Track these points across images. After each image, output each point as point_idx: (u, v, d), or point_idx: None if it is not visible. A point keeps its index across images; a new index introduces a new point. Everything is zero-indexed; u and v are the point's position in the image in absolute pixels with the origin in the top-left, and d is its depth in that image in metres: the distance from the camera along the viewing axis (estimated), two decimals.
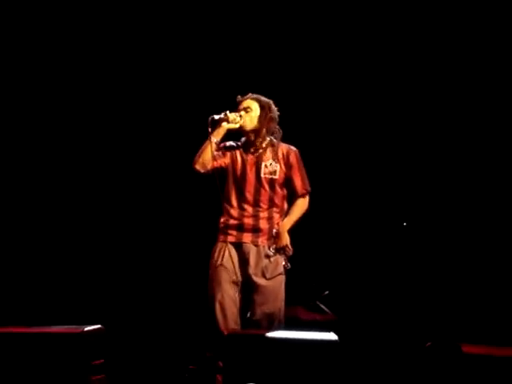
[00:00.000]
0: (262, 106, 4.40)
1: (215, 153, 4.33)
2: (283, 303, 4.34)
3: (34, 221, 5.88)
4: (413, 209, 5.77)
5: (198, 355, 4.38)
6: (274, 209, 4.38)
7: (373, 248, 5.73)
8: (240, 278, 4.30)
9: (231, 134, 4.42)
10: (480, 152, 5.62)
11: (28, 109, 5.91)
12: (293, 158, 4.41)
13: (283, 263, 4.34)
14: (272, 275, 4.30)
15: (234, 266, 4.29)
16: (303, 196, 4.43)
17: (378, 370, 4.95)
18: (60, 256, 5.84)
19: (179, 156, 5.12)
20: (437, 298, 5.45)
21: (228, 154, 4.43)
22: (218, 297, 4.25)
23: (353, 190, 5.81)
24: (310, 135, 5.57)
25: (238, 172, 4.39)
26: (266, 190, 4.37)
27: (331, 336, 3.54)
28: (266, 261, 4.30)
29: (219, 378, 4.06)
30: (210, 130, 4.29)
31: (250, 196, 4.36)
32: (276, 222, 4.37)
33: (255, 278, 4.28)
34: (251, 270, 4.29)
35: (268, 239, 4.34)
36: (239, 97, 4.44)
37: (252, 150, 4.42)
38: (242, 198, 4.37)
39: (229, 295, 4.26)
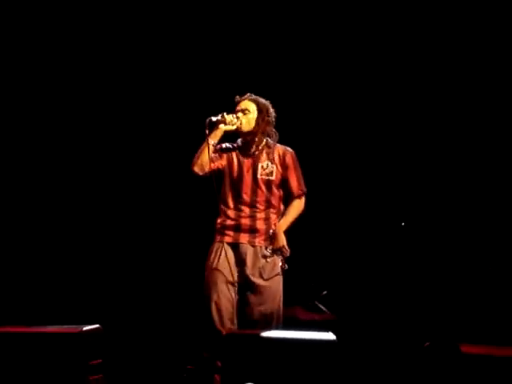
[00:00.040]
0: (260, 109, 4.40)
1: (212, 155, 4.33)
2: (281, 304, 4.34)
3: (34, 221, 5.88)
4: (411, 209, 5.76)
5: (196, 355, 4.37)
6: (271, 210, 4.39)
7: (371, 248, 5.73)
8: (237, 279, 4.30)
9: (227, 135, 4.42)
10: (479, 152, 5.62)
11: (28, 109, 5.91)
12: (289, 159, 4.42)
13: (280, 264, 4.34)
14: (269, 276, 4.30)
15: (231, 267, 4.29)
16: (299, 197, 4.44)
17: (377, 369, 4.95)
18: (59, 256, 5.84)
19: (176, 157, 5.14)
20: (435, 298, 5.45)
21: (224, 155, 4.43)
22: (214, 297, 4.25)
23: (351, 190, 5.82)
24: (306, 136, 5.58)
25: (235, 173, 4.39)
26: (262, 191, 4.37)
27: (329, 336, 3.54)
28: (263, 261, 4.31)
29: (217, 377, 4.07)
30: (207, 131, 4.28)
31: (246, 197, 4.36)
32: (273, 222, 4.38)
33: (253, 279, 4.28)
34: (248, 271, 4.29)
35: (265, 240, 4.35)
36: (237, 97, 4.44)
37: (248, 152, 4.43)
38: (238, 200, 4.37)
39: (225, 295, 4.26)
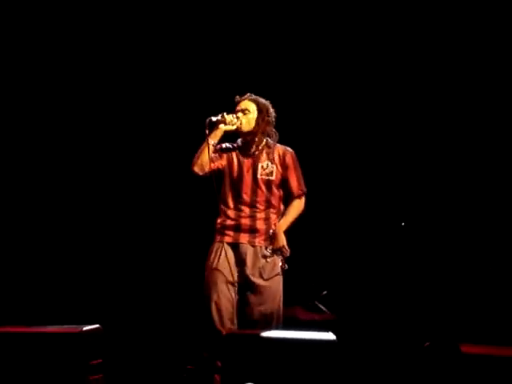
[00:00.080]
0: (260, 109, 4.40)
1: (212, 155, 4.33)
2: (281, 304, 4.34)
3: (33, 221, 5.88)
4: (411, 209, 5.76)
5: (196, 355, 4.37)
6: (271, 209, 4.39)
7: (371, 248, 5.73)
8: (236, 279, 4.30)
9: (227, 135, 4.41)
10: (478, 152, 5.62)
11: (28, 110, 5.90)
12: (289, 159, 4.42)
13: (280, 264, 4.34)
14: (269, 276, 4.30)
15: (231, 267, 4.29)
16: (299, 197, 4.44)
17: (377, 369, 4.95)
18: (59, 256, 5.84)
19: (176, 157, 5.13)
20: (435, 298, 5.45)
21: (224, 155, 4.43)
22: (214, 297, 4.26)
23: (351, 189, 5.81)
24: (306, 136, 5.57)
25: (235, 174, 4.39)
26: (262, 191, 4.37)
27: (329, 336, 3.54)
28: (263, 261, 4.31)
29: (217, 377, 4.07)
30: (207, 131, 4.28)
31: (246, 197, 4.36)
32: (273, 222, 4.38)
33: (253, 279, 4.28)
34: (248, 271, 4.29)
35: (265, 240, 4.35)
36: (237, 97, 4.44)
37: (248, 152, 4.43)
38: (238, 200, 4.37)
39: (225, 295, 4.26)
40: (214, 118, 4.30)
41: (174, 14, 5.85)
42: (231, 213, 4.37)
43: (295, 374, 3.43)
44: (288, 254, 4.36)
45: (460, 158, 5.66)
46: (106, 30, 5.87)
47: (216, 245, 4.37)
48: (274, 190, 4.39)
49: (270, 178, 4.38)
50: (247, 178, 4.37)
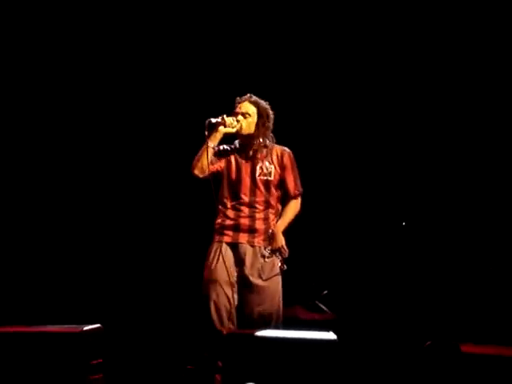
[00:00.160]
0: (260, 114, 4.40)
1: (211, 157, 4.33)
2: (280, 304, 4.34)
3: (34, 221, 5.88)
4: (412, 208, 5.76)
5: (196, 355, 4.37)
6: (270, 210, 4.39)
7: (372, 247, 5.73)
8: (235, 279, 4.30)
9: (225, 136, 4.40)
10: (478, 151, 5.62)
11: (27, 110, 5.91)
12: (287, 160, 4.43)
13: (279, 264, 4.34)
14: (268, 276, 4.30)
15: (230, 267, 4.29)
16: (296, 197, 4.45)
17: (377, 369, 4.95)
18: (59, 256, 5.84)
19: (175, 158, 5.14)
20: (436, 298, 5.45)
21: (223, 157, 4.43)
22: (213, 297, 4.25)
23: (351, 189, 5.81)
24: (305, 136, 5.57)
25: (234, 175, 4.40)
26: (261, 192, 4.37)
27: (330, 335, 3.54)
28: (261, 261, 4.31)
29: (218, 377, 4.07)
30: (206, 133, 4.28)
31: (245, 198, 4.37)
32: (272, 222, 4.39)
33: (252, 279, 4.28)
34: (247, 271, 4.29)
35: (264, 240, 4.35)
36: (238, 98, 4.44)
37: (247, 153, 4.43)
38: (237, 200, 4.37)
39: (224, 295, 4.26)
40: (213, 120, 4.30)
41: (173, 14, 5.85)
42: (230, 213, 4.37)
43: (296, 374, 3.43)
44: (287, 255, 4.36)
45: (460, 158, 5.66)
46: (106, 30, 5.87)
47: (215, 245, 4.37)
48: (273, 190, 4.40)
49: (269, 178, 4.38)
50: (246, 179, 4.37)
